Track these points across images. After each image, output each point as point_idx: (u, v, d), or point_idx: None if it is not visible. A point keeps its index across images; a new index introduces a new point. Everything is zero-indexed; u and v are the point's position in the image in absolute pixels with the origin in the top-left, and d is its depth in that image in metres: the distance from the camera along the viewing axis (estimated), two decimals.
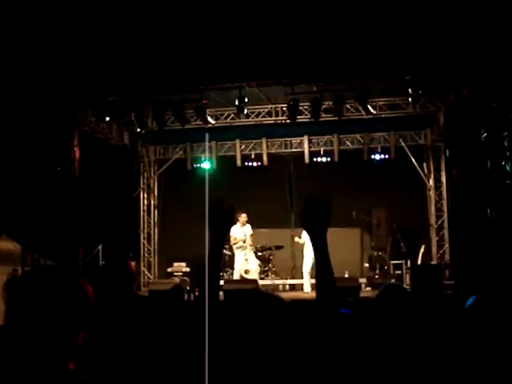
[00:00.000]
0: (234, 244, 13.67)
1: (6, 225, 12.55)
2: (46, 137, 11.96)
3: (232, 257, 14.67)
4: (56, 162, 12.38)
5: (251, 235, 13.85)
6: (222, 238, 2.79)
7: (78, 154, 12.94)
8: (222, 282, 13.17)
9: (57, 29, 9.98)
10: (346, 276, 13.68)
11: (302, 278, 13.58)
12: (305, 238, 13.48)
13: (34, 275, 1.86)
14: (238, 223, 13.55)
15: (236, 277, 13.64)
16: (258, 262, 14.38)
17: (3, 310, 8.59)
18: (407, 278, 13.03)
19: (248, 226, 13.81)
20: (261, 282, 13.57)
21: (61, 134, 12.46)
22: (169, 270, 15.42)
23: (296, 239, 13.70)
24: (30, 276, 1.87)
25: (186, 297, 11.61)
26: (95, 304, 1.88)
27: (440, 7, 9.76)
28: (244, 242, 13.71)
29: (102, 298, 3.24)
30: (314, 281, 12.42)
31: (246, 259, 13.74)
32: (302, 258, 13.57)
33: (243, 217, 13.59)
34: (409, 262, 13.52)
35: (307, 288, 13.21)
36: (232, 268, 14.52)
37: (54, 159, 12.32)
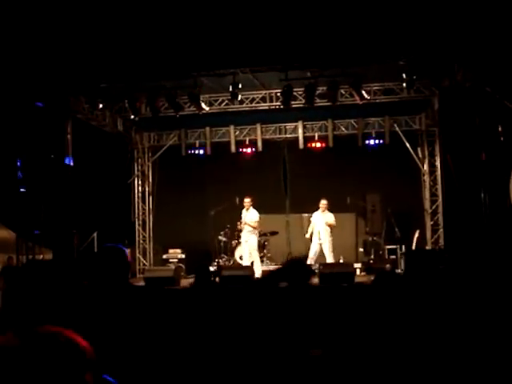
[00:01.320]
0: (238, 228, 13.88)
1: (0, 213, 12.54)
2: (39, 124, 11.91)
3: (227, 243, 14.73)
4: (49, 149, 12.33)
5: (254, 221, 13.59)
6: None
7: (71, 142, 12.89)
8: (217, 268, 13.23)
9: (49, 17, 9.91)
10: (341, 261, 13.75)
11: None
12: (314, 223, 13.56)
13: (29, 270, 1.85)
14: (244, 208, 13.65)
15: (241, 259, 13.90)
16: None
17: None
18: (402, 263, 13.09)
19: (251, 210, 13.65)
20: None
21: (54, 121, 12.40)
22: (164, 256, 15.45)
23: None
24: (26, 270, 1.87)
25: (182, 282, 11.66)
26: (90, 293, 1.88)
27: None
28: (245, 226, 13.60)
29: (97, 287, 3.25)
30: (316, 266, 12.61)
31: (243, 242, 13.66)
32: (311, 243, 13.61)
33: (245, 201, 13.58)
34: (403, 246, 13.56)
35: None
36: (227, 254, 14.61)
37: (48, 147, 12.27)
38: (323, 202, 13.60)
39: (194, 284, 6.39)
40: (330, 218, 13.55)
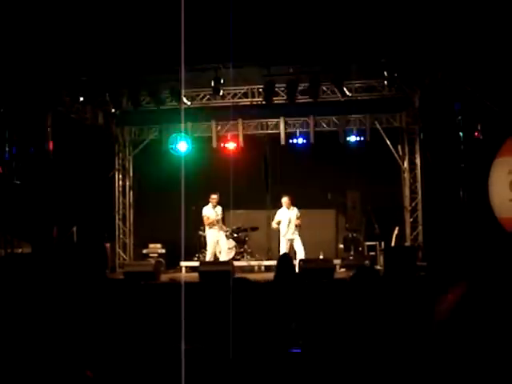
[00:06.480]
0: (208, 224, 13.81)
1: None
2: (19, 117, 11.80)
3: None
4: (29, 142, 12.23)
5: (222, 217, 14.03)
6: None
7: (51, 135, 12.79)
8: (197, 264, 13.22)
9: (28, 10, 9.81)
10: (321, 257, 13.81)
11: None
12: (280, 219, 13.61)
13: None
14: (209, 204, 13.81)
15: (209, 257, 13.75)
16: (231, 242, 14.54)
17: None
18: (381, 260, 13.19)
19: (219, 207, 13.97)
20: (236, 264, 13.62)
21: (34, 114, 12.30)
22: (144, 251, 15.39)
23: (273, 225, 13.79)
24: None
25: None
26: (68, 286, 1.88)
27: None
28: (217, 221, 13.85)
29: (75, 280, 3.24)
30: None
31: (217, 241, 13.85)
32: (279, 240, 13.70)
33: (213, 198, 13.78)
34: (383, 243, 13.66)
35: None
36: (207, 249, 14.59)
37: (28, 139, 12.17)
38: (284, 200, 13.69)
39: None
40: (297, 214, 13.62)
